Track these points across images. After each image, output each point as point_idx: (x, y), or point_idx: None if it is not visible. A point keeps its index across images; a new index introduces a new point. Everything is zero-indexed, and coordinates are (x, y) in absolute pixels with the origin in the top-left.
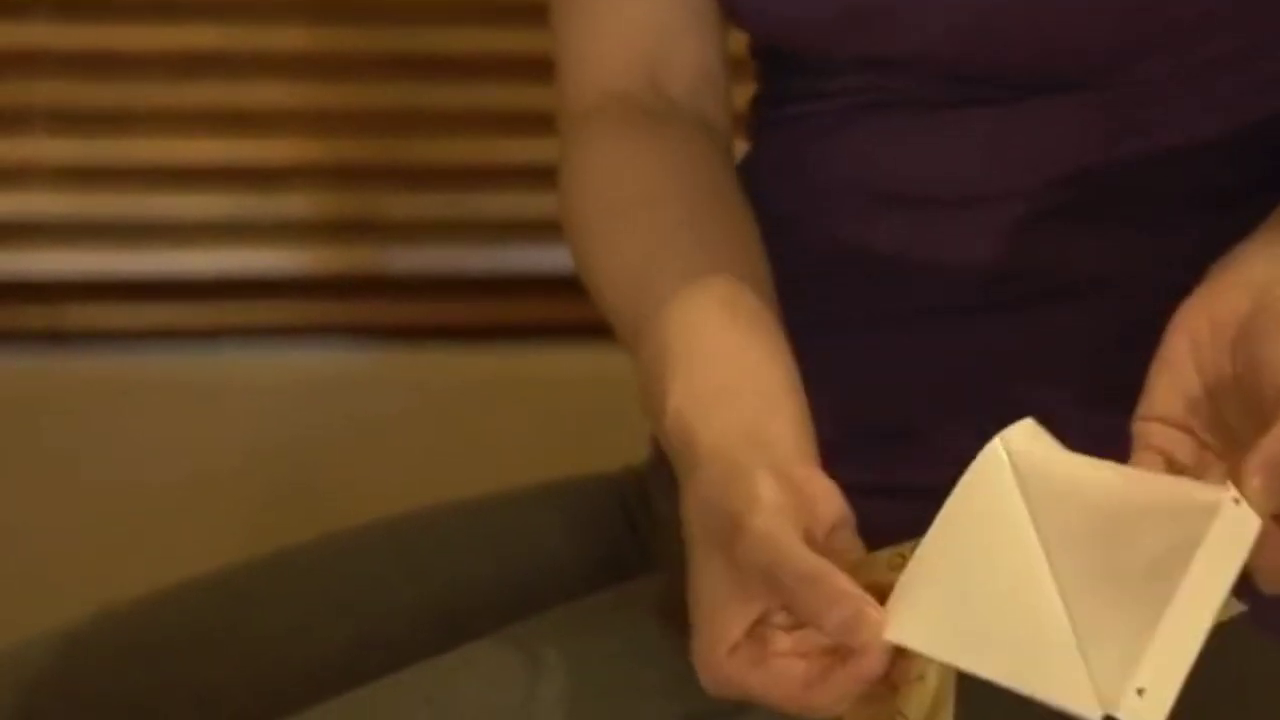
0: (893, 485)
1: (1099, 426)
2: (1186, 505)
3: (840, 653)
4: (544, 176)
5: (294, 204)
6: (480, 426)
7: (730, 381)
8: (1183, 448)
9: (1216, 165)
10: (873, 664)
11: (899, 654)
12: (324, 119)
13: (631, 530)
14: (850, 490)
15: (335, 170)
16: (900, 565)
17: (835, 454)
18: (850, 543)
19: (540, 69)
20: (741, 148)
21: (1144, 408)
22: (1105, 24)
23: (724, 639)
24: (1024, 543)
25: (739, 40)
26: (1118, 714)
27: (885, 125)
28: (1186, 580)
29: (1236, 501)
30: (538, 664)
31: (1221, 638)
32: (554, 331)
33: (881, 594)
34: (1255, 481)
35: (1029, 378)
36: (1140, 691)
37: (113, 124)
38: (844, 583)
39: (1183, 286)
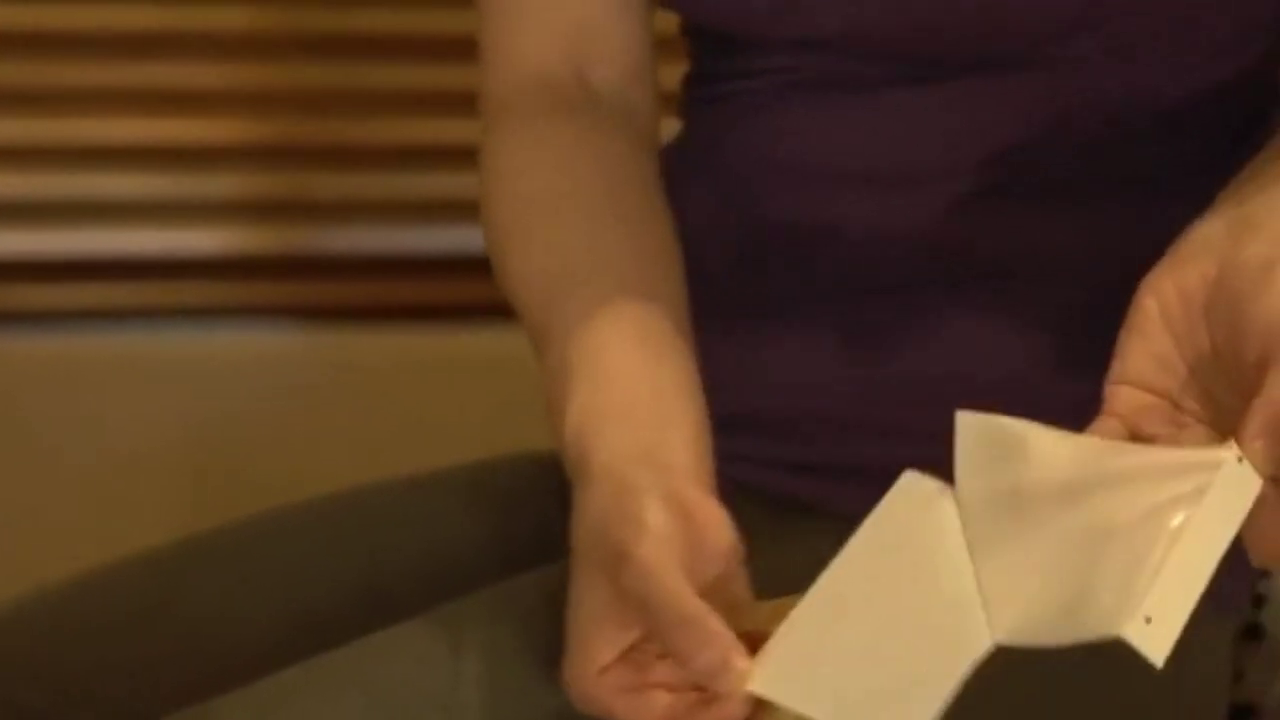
0: (845, 466)
1: (1058, 403)
2: (1189, 463)
3: (707, 692)
4: (476, 157)
5: (227, 184)
6: (414, 406)
7: (632, 401)
8: (1152, 416)
9: (1164, 141)
10: (733, 711)
11: (760, 704)
12: (257, 99)
13: (563, 510)
14: (805, 471)
15: (268, 150)
16: (781, 617)
17: (784, 436)
18: (734, 572)
19: (471, 49)
20: (671, 126)
21: (1115, 372)
22: (1038, 1)
23: (595, 660)
24: (924, 579)
25: (667, 19)
26: (1125, 635)
27: (821, 103)
28: (1191, 527)
29: (1240, 460)
30: (460, 647)
31: None
32: (488, 311)
33: (757, 643)
34: (1257, 445)
35: (980, 357)
36: (1148, 620)
37: (47, 104)
38: (716, 626)
39: (1134, 265)
